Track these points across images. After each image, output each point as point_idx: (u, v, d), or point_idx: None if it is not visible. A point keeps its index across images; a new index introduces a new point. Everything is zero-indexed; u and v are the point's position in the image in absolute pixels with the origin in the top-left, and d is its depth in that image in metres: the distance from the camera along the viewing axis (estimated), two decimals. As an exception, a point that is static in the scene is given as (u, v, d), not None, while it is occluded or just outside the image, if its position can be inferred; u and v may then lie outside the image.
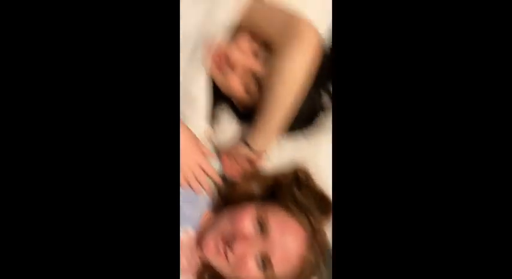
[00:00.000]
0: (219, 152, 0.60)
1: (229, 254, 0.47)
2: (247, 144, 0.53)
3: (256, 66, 0.52)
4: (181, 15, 0.50)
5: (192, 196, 0.55)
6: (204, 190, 0.55)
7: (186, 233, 0.54)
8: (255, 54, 0.52)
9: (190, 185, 0.54)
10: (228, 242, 0.47)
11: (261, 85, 0.52)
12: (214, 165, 0.59)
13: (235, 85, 0.54)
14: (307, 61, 0.48)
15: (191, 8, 0.53)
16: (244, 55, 0.52)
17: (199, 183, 0.54)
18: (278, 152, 0.59)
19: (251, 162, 0.56)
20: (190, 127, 0.55)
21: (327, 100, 0.58)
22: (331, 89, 0.58)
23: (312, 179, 0.57)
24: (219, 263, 0.49)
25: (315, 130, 0.59)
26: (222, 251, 0.47)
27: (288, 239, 0.48)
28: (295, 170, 0.57)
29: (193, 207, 0.55)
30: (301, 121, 0.57)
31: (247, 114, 0.59)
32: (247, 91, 0.54)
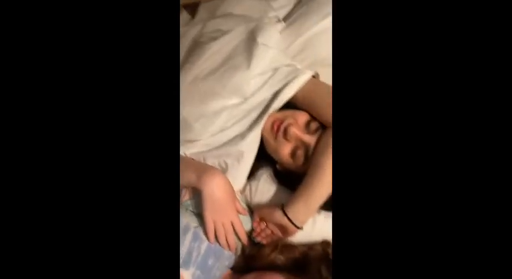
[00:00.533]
0: (253, 212, 0.60)
1: None
2: (285, 213, 0.54)
3: (310, 140, 0.54)
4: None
5: (219, 252, 0.55)
6: (231, 247, 0.55)
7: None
8: (311, 129, 0.55)
9: (218, 241, 0.54)
10: None
11: (308, 156, 0.54)
12: (246, 224, 0.59)
13: (285, 152, 0.56)
14: None
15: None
16: (301, 131, 0.55)
17: (227, 240, 0.54)
18: (312, 227, 0.59)
19: (284, 231, 0.56)
20: (230, 179, 0.56)
21: None
22: None
23: None
24: None
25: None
26: None
27: None
28: (324, 245, 0.56)
29: (217, 265, 0.54)
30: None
31: (287, 178, 0.60)
32: (294, 158, 0.56)
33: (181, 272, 0.50)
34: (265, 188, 0.63)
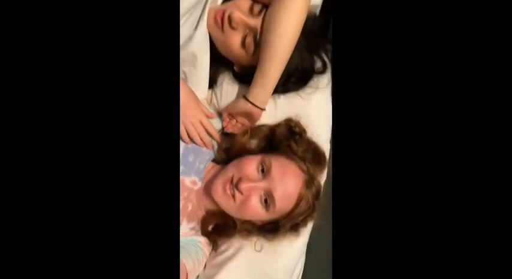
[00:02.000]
0: (221, 113, 0.66)
1: (237, 194, 0.53)
2: (246, 98, 0.59)
3: (255, 23, 0.56)
4: None
5: (197, 149, 0.62)
6: (206, 144, 0.62)
7: (193, 183, 0.61)
8: (254, 12, 0.57)
9: (193, 141, 0.60)
10: (235, 184, 0.53)
11: (257, 42, 0.57)
12: (217, 125, 0.65)
13: (235, 43, 0.59)
14: (299, 9, 0.53)
15: None
16: (245, 15, 0.56)
17: (201, 138, 0.60)
18: (274, 109, 0.64)
19: (249, 117, 0.62)
20: (192, 87, 0.61)
21: (320, 64, 0.64)
22: (324, 54, 0.63)
23: (304, 131, 0.62)
24: (226, 204, 0.55)
25: (309, 90, 0.64)
26: (229, 192, 0.54)
27: (288, 178, 0.54)
28: (286, 120, 0.62)
29: (198, 159, 0.62)
30: (296, 82, 0.63)
31: (246, 77, 0.64)
32: (245, 48, 0.59)
33: None
34: (229, 90, 0.68)
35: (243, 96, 0.60)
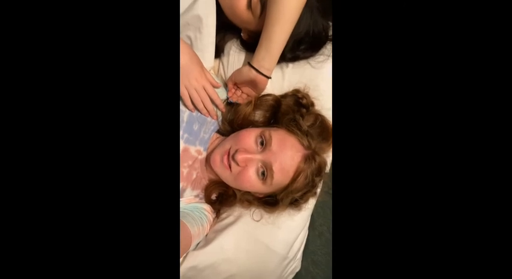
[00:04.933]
0: (227, 81, 0.64)
1: (233, 164, 0.53)
2: (251, 66, 0.56)
3: None
4: None
5: (202, 118, 0.62)
6: (210, 113, 0.61)
7: (198, 152, 0.61)
8: None
9: (197, 108, 0.59)
10: (232, 155, 0.53)
11: (263, 3, 0.54)
12: (222, 95, 0.64)
13: (241, 4, 0.55)
14: None
15: None
16: None
17: (205, 106, 0.59)
18: (282, 79, 0.61)
19: (254, 86, 0.59)
20: (198, 54, 0.59)
21: (330, 30, 0.59)
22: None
23: (312, 104, 0.59)
24: (223, 174, 0.56)
25: (320, 58, 0.60)
26: (226, 162, 0.54)
27: (287, 151, 0.52)
28: (294, 91, 0.59)
29: (203, 129, 0.62)
30: (307, 48, 0.59)
31: (255, 44, 0.61)
32: (252, 9, 0.55)
33: None
34: (236, 59, 0.65)
35: (248, 62, 0.57)
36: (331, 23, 0.59)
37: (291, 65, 0.61)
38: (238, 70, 0.60)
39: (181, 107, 0.60)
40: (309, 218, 0.65)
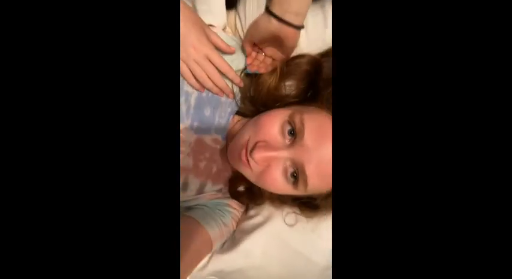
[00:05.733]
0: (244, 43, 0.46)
1: (252, 163, 0.40)
2: (270, 13, 0.37)
3: None
4: None
5: (214, 99, 0.48)
6: (224, 91, 0.46)
7: (215, 141, 0.50)
8: None
9: (206, 86, 0.45)
10: (250, 151, 0.39)
11: None
12: (240, 63, 0.47)
13: None
14: None
15: None
16: None
17: (214, 82, 0.44)
18: (322, 29, 0.40)
19: (281, 42, 0.40)
20: (203, 11, 0.42)
21: None
22: None
23: None
24: (244, 171, 0.43)
25: None
26: (244, 159, 0.40)
27: (327, 145, 0.36)
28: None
29: (218, 113, 0.48)
30: None
31: None
32: None
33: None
34: (255, 5, 0.45)
35: (266, 7, 0.37)
36: None
37: (329, 3, 0.38)
38: (255, 23, 0.41)
39: (187, 88, 0.47)
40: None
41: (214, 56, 0.42)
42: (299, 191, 0.40)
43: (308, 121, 0.37)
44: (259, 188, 0.48)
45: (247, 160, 0.40)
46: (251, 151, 0.39)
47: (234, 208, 0.52)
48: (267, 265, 0.49)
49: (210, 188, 0.51)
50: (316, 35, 0.42)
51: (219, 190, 0.52)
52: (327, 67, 0.40)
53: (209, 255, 0.50)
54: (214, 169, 0.51)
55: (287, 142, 0.38)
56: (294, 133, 0.38)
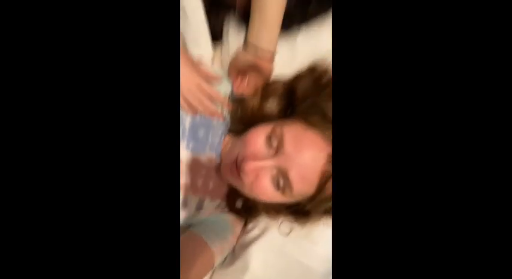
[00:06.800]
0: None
1: (243, 175, 0.44)
2: (247, 43, 0.44)
3: None
4: None
5: (206, 122, 0.53)
6: (214, 114, 0.52)
7: (208, 158, 0.54)
8: None
9: (198, 111, 0.51)
10: (239, 164, 0.44)
11: None
12: (227, 89, 0.53)
13: None
14: None
15: None
16: None
17: (206, 107, 0.50)
18: (291, 53, 0.46)
19: (259, 68, 0.46)
20: (191, 46, 0.50)
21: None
22: None
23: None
24: (237, 184, 0.47)
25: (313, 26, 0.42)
26: (235, 173, 0.45)
27: (305, 152, 0.40)
28: (310, 67, 0.44)
29: (211, 134, 0.53)
30: (317, 5, 0.42)
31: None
32: None
33: None
34: (236, 39, 0.53)
35: (244, 41, 0.44)
36: None
37: (302, 31, 0.45)
38: (236, 56, 0.48)
39: (182, 114, 0.53)
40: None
41: (205, 85, 0.48)
42: (287, 197, 0.44)
43: (287, 132, 0.42)
44: (253, 200, 0.51)
45: (238, 173, 0.44)
46: (240, 164, 0.43)
47: (234, 222, 0.55)
48: (268, 277, 0.50)
49: (209, 204, 0.55)
50: (286, 62, 0.48)
51: (218, 206, 0.56)
52: (299, 87, 0.46)
53: (211, 271, 0.52)
54: (211, 186, 0.55)
55: (272, 152, 0.43)
56: (277, 144, 0.43)
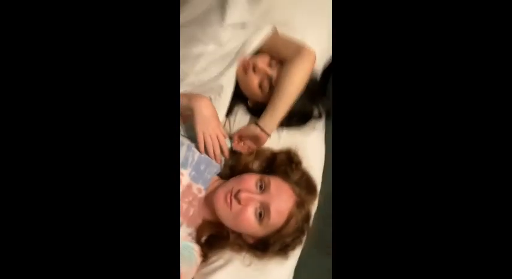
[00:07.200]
0: (233, 135, 0.76)
1: (234, 203, 0.59)
2: (257, 125, 0.71)
3: (272, 72, 0.73)
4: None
5: (208, 160, 0.70)
6: (216, 158, 0.70)
7: (198, 190, 0.66)
8: (272, 65, 0.74)
9: (207, 151, 0.69)
10: (235, 194, 0.60)
11: (272, 86, 0.73)
12: (227, 144, 0.75)
13: (254, 83, 0.74)
14: (306, 68, 0.71)
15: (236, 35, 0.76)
16: (265, 64, 0.74)
17: (214, 151, 0.69)
18: (278, 140, 0.76)
19: (256, 140, 0.72)
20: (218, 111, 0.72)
21: (317, 112, 0.80)
22: (320, 105, 0.80)
23: (300, 162, 0.72)
24: (223, 211, 0.60)
25: (307, 129, 0.78)
26: (228, 200, 0.60)
27: (283, 196, 0.61)
28: (287, 149, 0.73)
29: (208, 170, 0.69)
30: (298, 120, 0.77)
31: (257, 111, 0.77)
32: (261, 88, 0.74)
33: (182, 170, 0.64)
34: (242, 119, 0.80)
35: (255, 122, 0.72)
36: (314, 106, 0.79)
37: (286, 130, 0.77)
38: (246, 127, 0.74)
39: (193, 148, 0.68)
40: (293, 271, 0.68)
41: (221, 137, 0.70)
42: (262, 227, 0.60)
43: (272, 181, 0.64)
44: (225, 234, 0.63)
45: (231, 201, 0.60)
46: (236, 194, 0.60)
47: (197, 254, 0.62)
48: None
49: (184, 229, 0.62)
50: (274, 142, 0.77)
51: (190, 234, 0.63)
52: (279, 158, 0.73)
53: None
54: (191, 213, 0.64)
55: (259, 192, 0.63)
56: (263, 187, 0.63)
